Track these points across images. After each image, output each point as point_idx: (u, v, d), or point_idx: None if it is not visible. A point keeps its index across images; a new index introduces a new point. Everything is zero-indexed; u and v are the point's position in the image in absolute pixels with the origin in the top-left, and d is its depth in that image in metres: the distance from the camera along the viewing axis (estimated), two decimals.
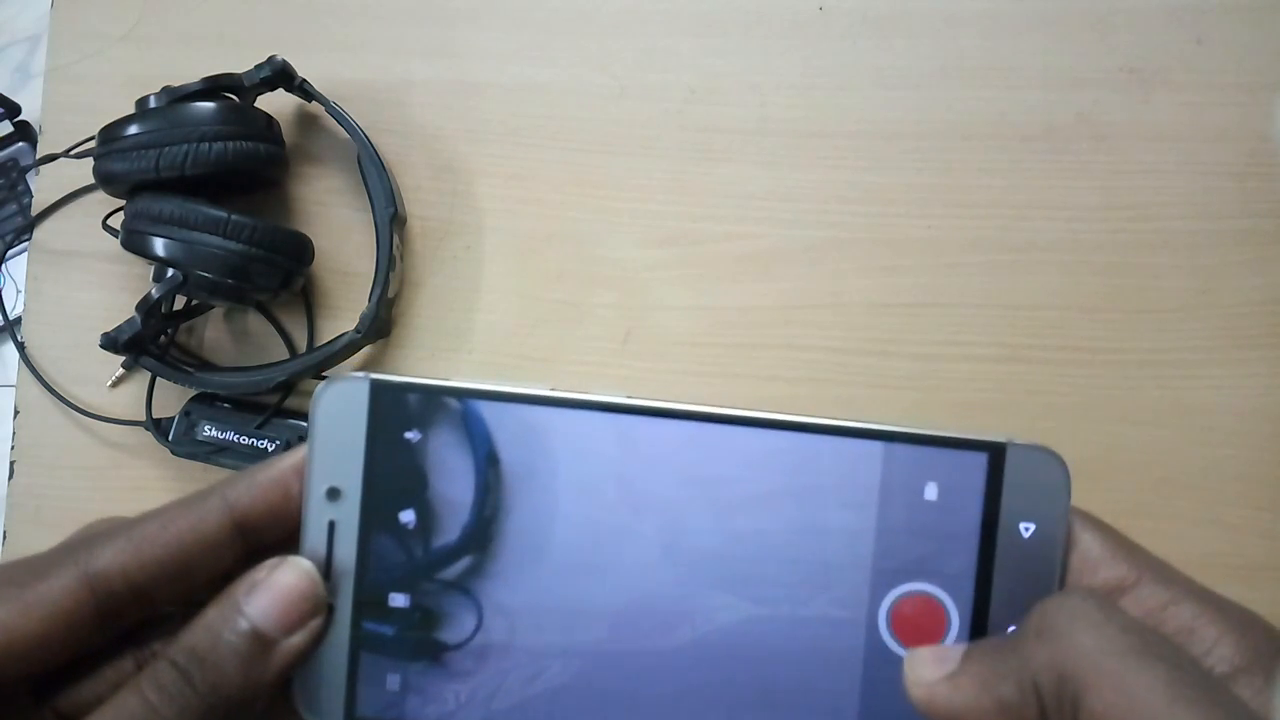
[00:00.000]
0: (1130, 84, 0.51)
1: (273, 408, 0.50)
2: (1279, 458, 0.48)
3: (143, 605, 0.24)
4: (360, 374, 0.25)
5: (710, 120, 0.52)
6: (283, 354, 0.52)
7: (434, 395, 0.25)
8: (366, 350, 0.51)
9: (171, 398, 0.51)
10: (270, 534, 0.25)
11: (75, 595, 0.23)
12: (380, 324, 0.49)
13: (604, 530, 0.25)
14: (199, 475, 0.51)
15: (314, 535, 0.25)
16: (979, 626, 0.25)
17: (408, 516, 0.25)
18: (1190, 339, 0.49)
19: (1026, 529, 0.25)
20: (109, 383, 0.52)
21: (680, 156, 0.52)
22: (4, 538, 0.52)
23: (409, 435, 0.25)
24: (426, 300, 0.52)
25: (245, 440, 0.49)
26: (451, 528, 0.25)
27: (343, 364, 0.50)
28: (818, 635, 0.25)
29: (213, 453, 0.49)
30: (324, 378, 0.51)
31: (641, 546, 0.25)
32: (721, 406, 0.25)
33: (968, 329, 0.50)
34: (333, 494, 0.25)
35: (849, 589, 0.25)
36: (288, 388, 0.51)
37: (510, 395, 0.25)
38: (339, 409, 0.25)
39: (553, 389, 0.25)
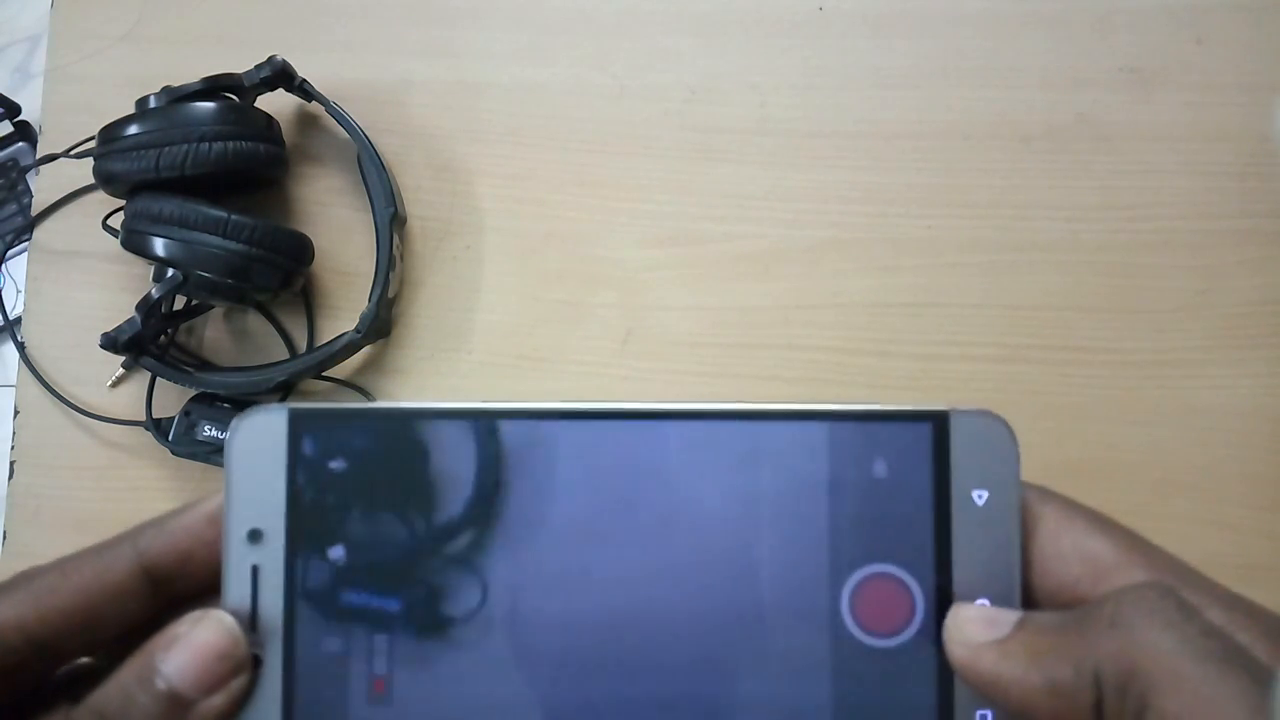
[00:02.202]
0: (1130, 84, 0.51)
1: None
2: (1279, 458, 0.48)
3: (47, 659, 0.22)
4: (277, 405, 0.24)
5: (710, 120, 0.52)
6: (283, 354, 0.52)
7: (357, 420, 0.24)
8: (366, 350, 0.51)
9: (171, 398, 0.51)
10: (185, 583, 0.24)
11: None
12: (380, 324, 0.49)
13: (547, 544, 0.24)
14: (199, 475, 0.51)
15: (236, 583, 0.23)
16: (944, 600, 0.24)
17: (337, 553, 0.24)
18: (1190, 339, 0.49)
19: (980, 496, 0.24)
20: (109, 383, 0.52)
21: (680, 156, 0.52)
22: (4, 538, 0.52)
23: (333, 465, 0.24)
24: (426, 300, 0.52)
25: None
26: (386, 562, 0.24)
27: (343, 364, 0.50)
28: (779, 630, 0.24)
29: (213, 453, 0.49)
30: (325, 378, 0.51)
31: (587, 555, 0.24)
32: (659, 402, 0.25)
33: (967, 329, 0.50)
34: (254, 536, 0.23)
35: (807, 578, 0.24)
36: (288, 388, 0.51)
37: (438, 412, 0.24)
38: (256, 444, 0.24)
39: (483, 401, 0.24)
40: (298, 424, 0.24)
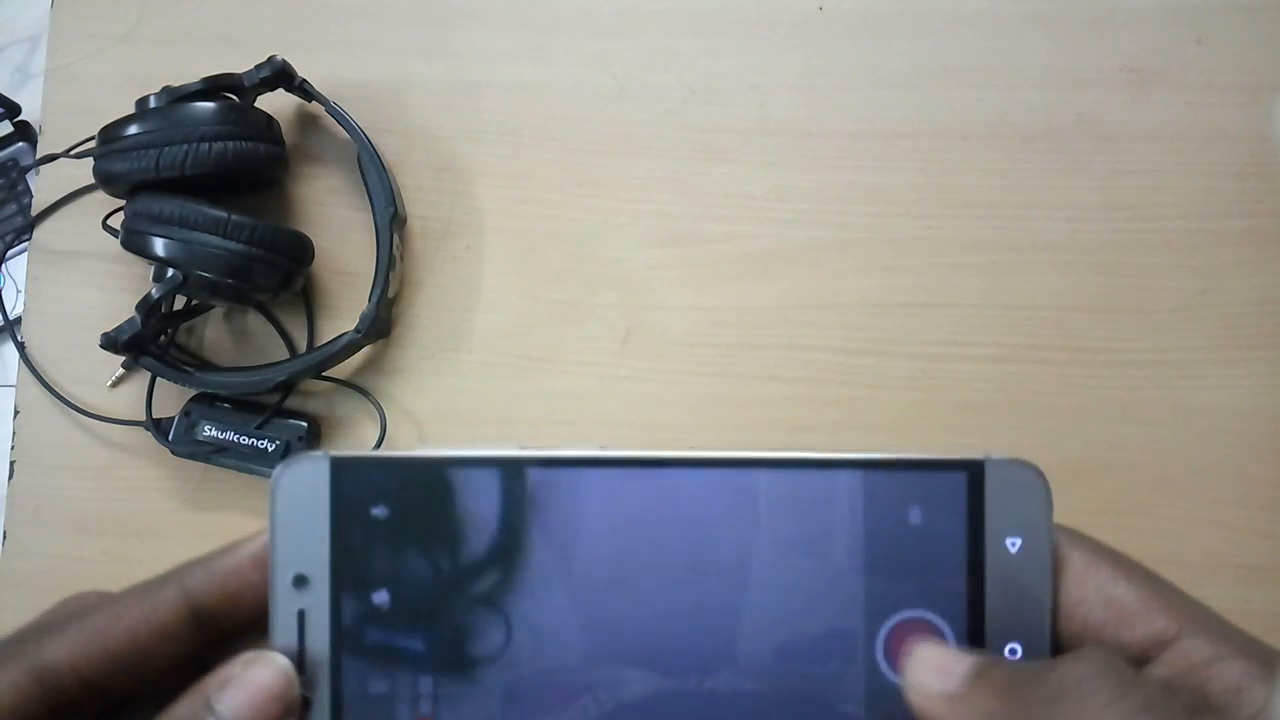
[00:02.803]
0: (1130, 84, 0.51)
1: (273, 408, 0.50)
2: (1279, 458, 0.48)
3: (97, 698, 0.23)
4: (319, 453, 0.24)
5: (710, 120, 0.52)
6: (283, 354, 0.52)
7: (398, 468, 0.25)
8: (366, 350, 0.51)
9: (171, 398, 0.51)
10: (230, 621, 0.24)
11: (23, 691, 0.22)
12: (380, 324, 0.49)
13: (587, 589, 0.25)
14: (199, 475, 0.51)
15: (284, 626, 0.24)
16: (977, 646, 0.24)
17: (381, 598, 0.24)
18: (1190, 339, 0.49)
19: (1013, 544, 0.24)
20: (109, 383, 0.52)
21: (680, 156, 0.52)
22: (4, 538, 0.52)
23: (375, 512, 0.24)
24: (426, 300, 0.52)
25: (245, 440, 0.49)
26: (428, 606, 0.24)
27: (343, 364, 0.50)
28: (816, 674, 0.25)
29: (213, 453, 0.49)
30: (325, 378, 0.51)
31: (628, 603, 0.25)
32: (702, 450, 0.25)
33: (967, 329, 0.50)
34: (299, 581, 0.24)
35: (843, 624, 0.25)
36: (288, 388, 0.51)
37: (477, 460, 0.25)
38: (299, 491, 0.24)
39: (522, 448, 0.25)
40: (339, 471, 0.24)
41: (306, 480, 0.24)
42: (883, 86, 0.51)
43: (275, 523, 0.24)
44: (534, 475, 0.25)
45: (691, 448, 0.25)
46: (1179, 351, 0.49)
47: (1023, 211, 0.50)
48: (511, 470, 0.25)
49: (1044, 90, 0.51)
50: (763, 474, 0.25)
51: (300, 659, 0.24)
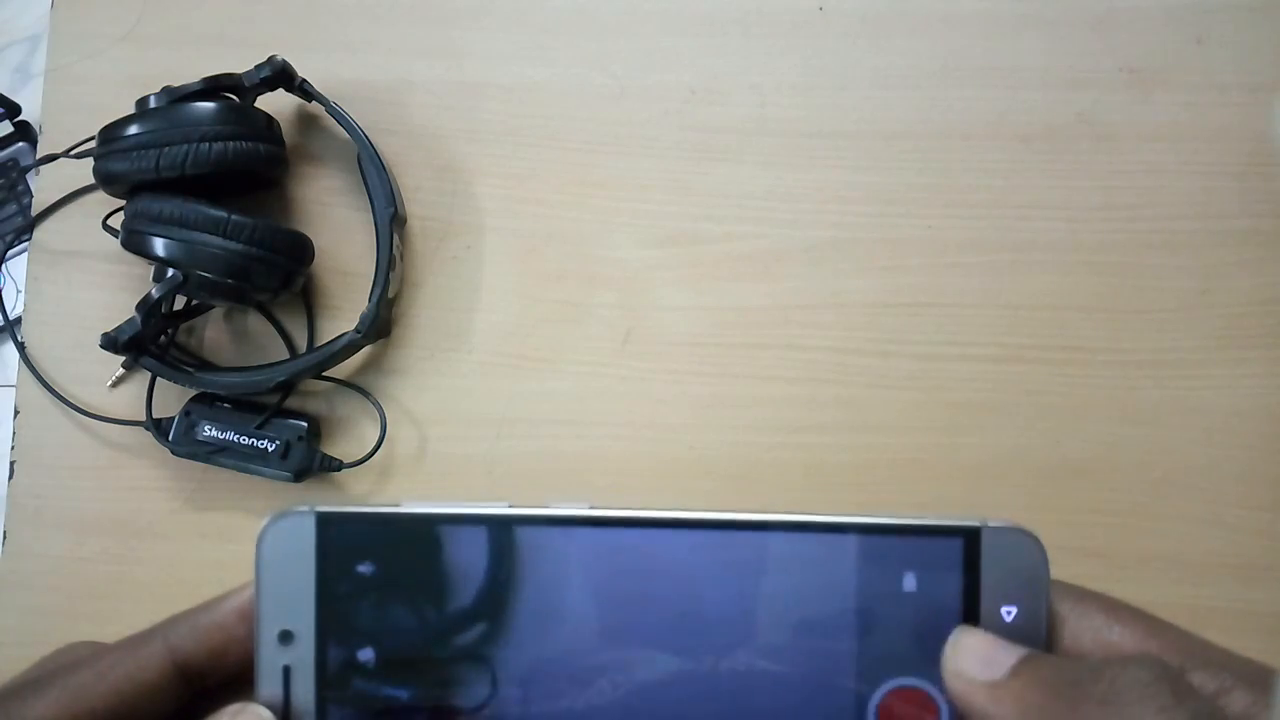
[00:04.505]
0: (1130, 84, 0.51)
1: (273, 408, 0.50)
2: (1279, 458, 0.48)
3: None
4: (304, 507, 0.24)
5: (710, 120, 0.52)
6: (283, 354, 0.52)
7: (384, 523, 0.24)
8: (366, 350, 0.51)
9: (171, 398, 0.51)
10: (215, 676, 0.24)
11: None
12: (380, 324, 0.49)
13: (575, 652, 0.24)
14: (198, 475, 0.51)
15: (269, 681, 0.24)
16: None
17: (366, 655, 0.24)
18: (1190, 339, 0.49)
19: (1009, 613, 0.24)
20: (109, 383, 0.52)
21: (680, 156, 0.52)
22: (4, 538, 0.52)
23: (361, 568, 0.24)
24: (426, 300, 0.52)
25: (245, 440, 0.49)
26: (414, 663, 0.24)
27: (343, 364, 0.50)
28: None
29: (213, 453, 0.49)
30: (325, 378, 0.51)
31: (615, 662, 0.24)
32: (690, 510, 0.25)
33: (967, 329, 0.50)
34: (285, 637, 0.24)
35: (836, 691, 0.24)
36: (288, 388, 0.51)
37: (464, 517, 0.24)
38: (285, 547, 0.24)
39: (510, 506, 0.24)
40: (325, 527, 0.24)
41: (292, 535, 0.24)
42: (883, 86, 0.51)
43: (260, 578, 0.24)
44: (521, 533, 0.24)
45: (690, 508, 0.25)
46: (1179, 351, 0.49)
47: (1022, 211, 0.50)
48: (498, 528, 0.24)
49: (1044, 90, 0.51)
50: (753, 537, 0.24)
51: (285, 714, 0.24)
